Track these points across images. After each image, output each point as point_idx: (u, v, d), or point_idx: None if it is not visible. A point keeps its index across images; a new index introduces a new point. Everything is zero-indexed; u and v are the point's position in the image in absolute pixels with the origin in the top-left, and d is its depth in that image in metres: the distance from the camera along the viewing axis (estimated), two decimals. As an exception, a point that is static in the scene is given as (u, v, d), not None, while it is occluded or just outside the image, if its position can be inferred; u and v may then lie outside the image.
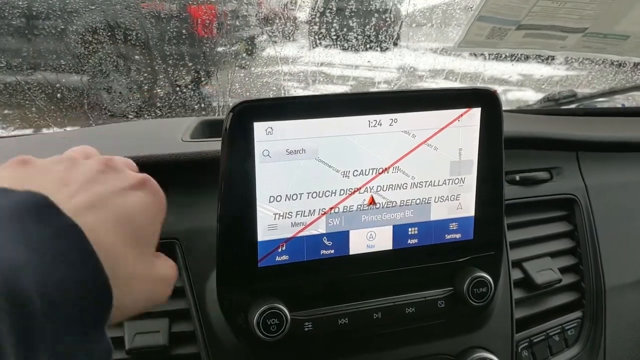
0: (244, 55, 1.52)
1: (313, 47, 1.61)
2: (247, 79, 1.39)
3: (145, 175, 0.37)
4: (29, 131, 1.18)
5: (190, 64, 1.23)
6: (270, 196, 0.55)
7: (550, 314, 0.75)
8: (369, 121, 0.56)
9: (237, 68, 1.35)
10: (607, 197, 0.80)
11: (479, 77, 1.76)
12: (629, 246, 0.80)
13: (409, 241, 0.61)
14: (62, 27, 1.05)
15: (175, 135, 0.71)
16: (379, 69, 1.77)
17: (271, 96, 1.17)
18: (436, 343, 0.65)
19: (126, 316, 0.32)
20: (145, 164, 0.61)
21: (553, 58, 1.81)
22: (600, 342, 0.76)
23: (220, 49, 1.35)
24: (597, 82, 1.55)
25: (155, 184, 0.37)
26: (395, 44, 1.72)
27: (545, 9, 1.05)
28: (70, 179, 0.33)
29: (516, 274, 0.72)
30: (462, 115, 0.59)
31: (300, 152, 0.55)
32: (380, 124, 0.57)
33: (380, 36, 1.58)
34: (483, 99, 0.59)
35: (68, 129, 1.14)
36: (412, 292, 0.61)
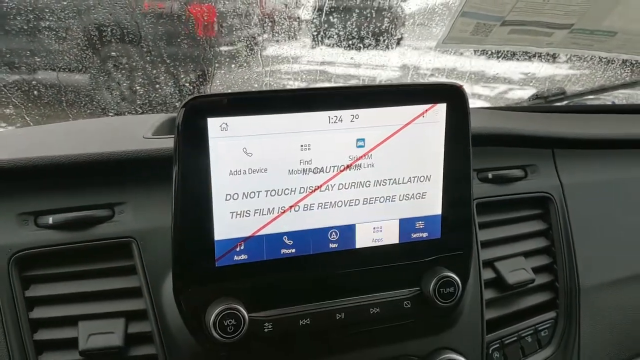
0: (226, 52, 1.51)
1: (313, 47, 1.60)
2: (228, 75, 1.38)
3: None
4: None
5: (169, 61, 1.22)
6: (227, 194, 0.54)
7: (523, 315, 0.73)
8: (329, 117, 0.55)
9: (217, 65, 1.34)
10: (584, 195, 0.79)
11: (482, 75, 1.75)
12: (605, 246, 0.79)
13: (373, 240, 0.60)
14: (35, 23, 1.04)
15: (138, 132, 0.69)
16: (381, 67, 1.76)
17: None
18: (403, 344, 0.64)
19: None
20: (100, 162, 0.60)
21: (556, 56, 1.79)
22: (575, 343, 0.74)
23: (202, 46, 1.34)
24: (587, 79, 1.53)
25: None
26: (395, 43, 1.71)
27: (530, 4, 1.04)
28: None
29: (488, 274, 0.71)
30: (426, 111, 0.58)
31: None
32: (341, 120, 0.56)
33: (380, 35, 1.56)
34: (448, 94, 0.58)
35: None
36: (377, 292, 0.60)
